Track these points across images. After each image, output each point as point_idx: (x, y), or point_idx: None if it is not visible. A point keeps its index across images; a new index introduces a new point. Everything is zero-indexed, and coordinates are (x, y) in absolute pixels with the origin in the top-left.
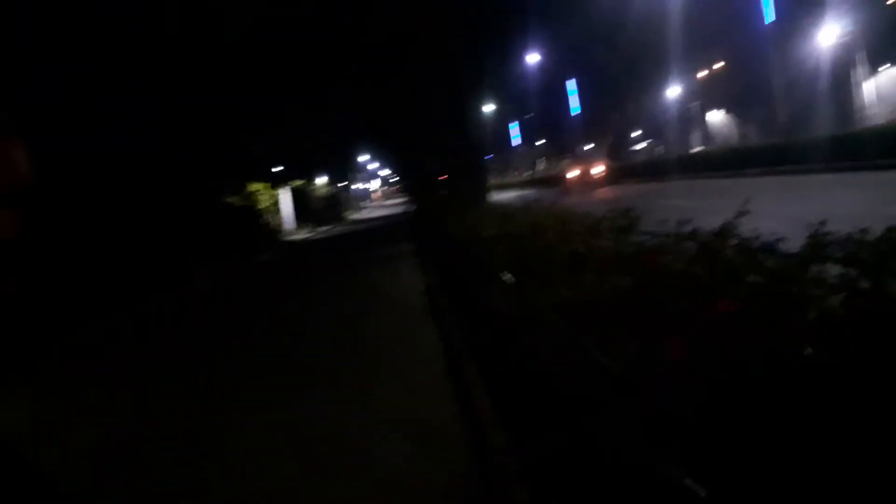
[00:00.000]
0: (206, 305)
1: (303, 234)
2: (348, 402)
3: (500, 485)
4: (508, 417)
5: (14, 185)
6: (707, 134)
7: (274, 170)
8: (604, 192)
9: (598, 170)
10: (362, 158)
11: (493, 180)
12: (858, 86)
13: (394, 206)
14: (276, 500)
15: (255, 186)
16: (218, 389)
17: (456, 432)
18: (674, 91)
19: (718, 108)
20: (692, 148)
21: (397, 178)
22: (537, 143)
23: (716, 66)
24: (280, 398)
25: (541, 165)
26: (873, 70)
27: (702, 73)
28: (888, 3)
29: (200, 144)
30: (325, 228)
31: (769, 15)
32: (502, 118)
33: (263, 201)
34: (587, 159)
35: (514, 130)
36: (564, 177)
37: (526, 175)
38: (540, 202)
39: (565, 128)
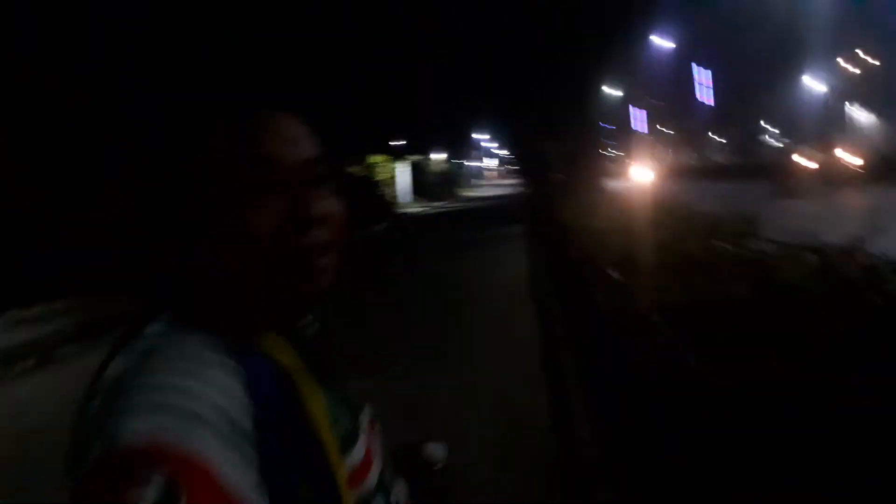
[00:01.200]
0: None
1: (416, 208)
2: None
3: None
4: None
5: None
6: (849, 133)
7: (393, 143)
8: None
9: (853, 160)
10: (480, 136)
11: (615, 167)
12: None
13: (507, 185)
14: None
15: (375, 159)
16: None
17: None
18: (814, 85)
19: (865, 106)
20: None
21: (512, 158)
22: (664, 132)
23: (866, 61)
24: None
25: (668, 155)
26: None
27: (847, 68)
28: None
29: (329, 109)
30: (438, 204)
31: None
32: (627, 104)
33: (382, 174)
34: (829, 146)
35: (640, 117)
36: (792, 167)
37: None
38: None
39: (694, 117)
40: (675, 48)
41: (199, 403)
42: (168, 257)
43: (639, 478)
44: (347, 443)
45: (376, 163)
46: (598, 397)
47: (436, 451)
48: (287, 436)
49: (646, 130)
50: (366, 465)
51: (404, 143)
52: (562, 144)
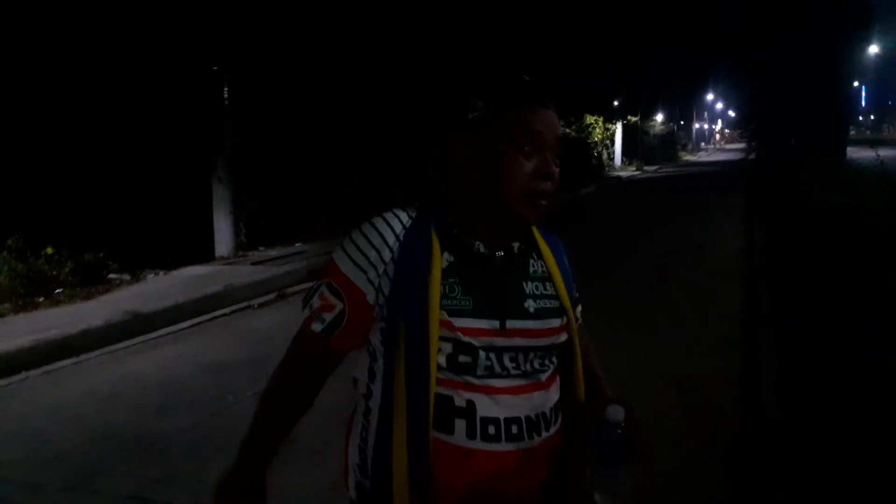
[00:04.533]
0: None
1: (629, 172)
2: None
3: None
4: None
5: None
6: None
7: (613, 103)
8: None
9: None
10: (709, 97)
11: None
12: None
13: (734, 151)
14: None
15: (591, 119)
16: None
17: None
18: None
19: None
20: None
21: (742, 121)
22: None
23: None
24: None
25: None
26: None
27: None
28: None
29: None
30: (653, 168)
31: None
32: (888, 62)
33: (596, 135)
34: None
35: None
36: None
37: None
38: None
39: None
40: None
41: (366, 260)
42: (430, 184)
43: (819, 471)
44: (456, 312)
45: (591, 123)
46: (795, 384)
47: (616, 412)
48: (412, 275)
49: None
50: (473, 331)
51: (622, 101)
52: (801, 106)
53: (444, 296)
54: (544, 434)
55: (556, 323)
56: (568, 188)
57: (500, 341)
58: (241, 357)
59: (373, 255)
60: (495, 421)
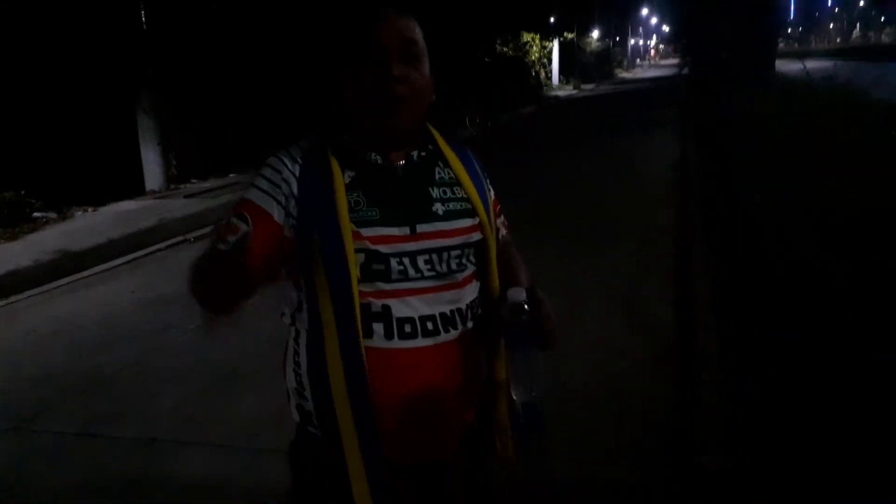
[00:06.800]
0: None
1: (567, 91)
2: None
3: None
4: None
5: None
6: None
7: (549, 19)
8: None
9: None
10: (644, 11)
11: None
12: None
13: (670, 66)
14: None
15: (528, 36)
16: None
17: None
18: None
19: None
20: None
21: (677, 37)
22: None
23: None
24: None
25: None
26: None
27: None
28: None
29: None
30: (590, 86)
31: None
32: None
33: (533, 53)
34: None
35: None
36: None
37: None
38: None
39: None
40: None
41: (271, 185)
42: (325, 107)
43: (754, 374)
44: (364, 222)
45: (528, 41)
46: (728, 288)
47: (517, 292)
48: (316, 194)
49: (832, 5)
50: (381, 239)
51: (558, 17)
52: (729, 19)
53: (350, 209)
54: (461, 328)
55: (467, 223)
56: (508, 108)
57: (412, 245)
58: (181, 291)
59: (276, 177)
60: (410, 320)
